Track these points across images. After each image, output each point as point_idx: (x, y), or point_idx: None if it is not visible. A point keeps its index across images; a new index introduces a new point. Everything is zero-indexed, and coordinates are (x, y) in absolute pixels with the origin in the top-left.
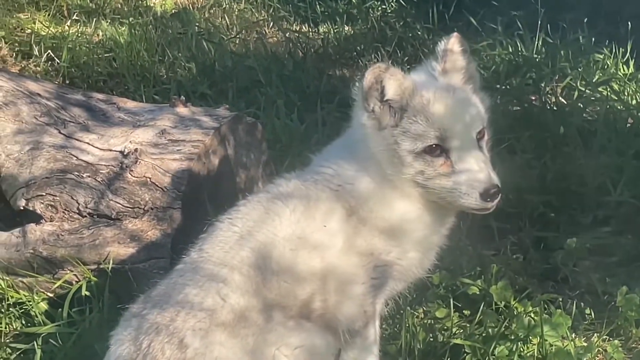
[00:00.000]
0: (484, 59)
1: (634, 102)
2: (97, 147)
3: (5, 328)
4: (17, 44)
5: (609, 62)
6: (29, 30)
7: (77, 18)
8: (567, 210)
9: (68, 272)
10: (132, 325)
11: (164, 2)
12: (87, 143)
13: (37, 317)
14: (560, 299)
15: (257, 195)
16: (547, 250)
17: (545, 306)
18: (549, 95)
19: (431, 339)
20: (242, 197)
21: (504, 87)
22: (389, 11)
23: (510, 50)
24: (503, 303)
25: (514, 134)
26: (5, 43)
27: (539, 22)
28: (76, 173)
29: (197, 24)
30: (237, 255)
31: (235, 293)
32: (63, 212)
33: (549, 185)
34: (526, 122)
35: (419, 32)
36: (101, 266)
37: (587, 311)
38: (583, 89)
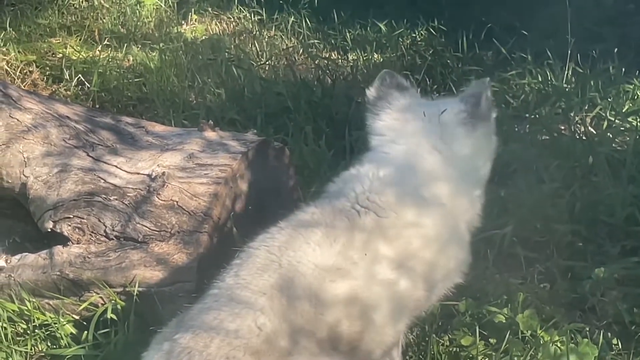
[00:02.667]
0: (514, 87)
1: None
2: (124, 170)
3: (31, 349)
4: (48, 68)
5: (638, 93)
6: (60, 55)
7: (108, 43)
8: (596, 239)
9: (94, 294)
10: (163, 349)
11: (194, 28)
12: (115, 166)
13: (62, 339)
14: (587, 329)
15: (292, 222)
16: (575, 279)
17: (572, 336)
18: (578, 125)
19: None
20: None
21: (533, 116)
22: (419, 39)
23: (540, 79)
24: (529, 332)
25: (542, 163)
26: (37, 67)
27: (569, 52)
28: (104, 196)
29: (227, 50)
30: (275, 284)
31: (272, 322)
32: (90, 234)
33: (578, 215)
34: (555, 151)
35: (449, 61)
36: (127, 289)
37: (614, 341)
38: (612, 119)
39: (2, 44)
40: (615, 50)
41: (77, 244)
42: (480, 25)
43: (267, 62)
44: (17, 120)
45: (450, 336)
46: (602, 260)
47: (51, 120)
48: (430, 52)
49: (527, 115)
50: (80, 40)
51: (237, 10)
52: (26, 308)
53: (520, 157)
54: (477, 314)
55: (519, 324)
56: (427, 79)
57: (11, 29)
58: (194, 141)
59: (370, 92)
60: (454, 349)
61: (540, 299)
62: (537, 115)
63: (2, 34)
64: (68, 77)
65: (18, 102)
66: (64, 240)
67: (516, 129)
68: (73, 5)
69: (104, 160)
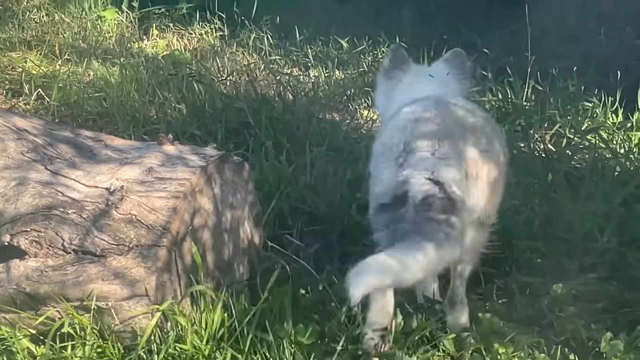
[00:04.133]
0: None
1: (622, 150)
2: (83, 184)
3: None
4: (7, 82)
5: (598, 111)
6: (20, 69)
7: (68, 58)
8: (554, 256)
9: (51, 308)
10: None
11: (156, 44)
12: (74, 179)
13: (19, 353)
14: (545, 345)
15: None
16: (533, 295)
17: (530, 351)
18: (537, 142)
19: None
20: (227, 236)
21: None
22: (381, 56)
23: (500, 97)
24: (487, 347)
25: None
26: None
27: (529, 69)
28: (62, 209)
29: (189, 66)
30: None
31: None
32: (47, 248)
33: (536, 231)
34: (514, 168)
35: None
36: (84, 303)
37: (572, 356)
38: (572, 137)
39: None
40: (575, 68)
41: (35, 257)
42: (442, 42)
43: (229, 78)
44: None
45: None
46: (560, 277)
47: (9, 133)
48: None
49: None
50: (40, 54)
51: (198, 26)
52: None
53: None
54: (436, 328)
55: (477, 339)
56: None
57: None
58: (153, 155)
59: (386, 63)
60: None
61: (498, 315)
62: None
63: None
64: (28, 91)
65: None
66: (21, 254)
67: None
68: (34, 19)
69: (63, 173)
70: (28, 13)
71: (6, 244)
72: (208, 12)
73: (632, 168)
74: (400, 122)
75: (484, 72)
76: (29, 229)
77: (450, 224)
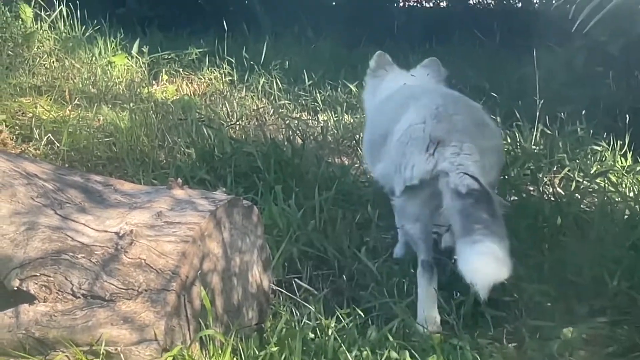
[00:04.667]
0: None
1: (631, 194)
2: (92, 228)
3: None
4: (18, 128)
5: (606, 155)
6: (30, 114)
7: (78, 103)
8: (564, 299)
9: (60, 353)
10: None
11: (165, 89)
12: (83, 224)
13: None
14: None
15: None
16: (543, 339)
17: None
18: (546, 186)
19: None
20: (237, 281)
21: (502, 177)
22: None
23: (509, 141)
24: None
25: (511, 224)
26: (6, 126)
27: (538, 113)
28: (71, 254)
29: (198, 111)
30: None
31: None
32: (57, 292)
33: (546, 274)
34: (524, 212)
35: None
36: (94, 348)
37: None
38: (581, 180)
39: None
40: (584, 112)
41: (44, 302)
42: (451, 87)
43: (238, 123)
44: None
45: None
46: (570, 320)
47: (19, 178)
48: None
49: None
50: (50, 100)
51: (208, 71)
52: None
53: None
54: None
55: None
56: None
57: None
58: (162, 199)
59: (372, 64)
60: None
61: (508, 359)
62: (506, 177)
63: None
64: (38, 137)
65: None
66: (30, 299)
67: None
68: (44, 65)
69: (72, 218)
70: (38, 59)
71: (15, 288)
72: (217, 57)
73: None
74: (421, 113)
75: (492, 116)
76: (38, 274)
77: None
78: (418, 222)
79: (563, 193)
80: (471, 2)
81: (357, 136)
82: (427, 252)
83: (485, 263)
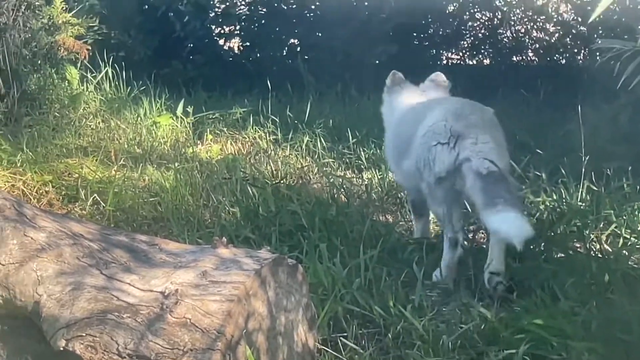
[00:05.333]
0: (529, 206)
1: None
2: (138, 288)
3: None
4: (64, 188)
5: None
6: (76, 175)
7: (124, 163)
8: (613, 357)
9: None
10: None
11: (210, 148)
12: (129, 284)
13: None
14: None
15: None
16: None
17: None
18: (593, 243)
19: None
20: (282, 340)
21: (548, 234)
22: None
23: (555, 197)
24: None
25: (558, 281)
26: (53, 187)
27: (583, 170)
28: (116, 314)
29: (242, 170)
30: None
31: None
32: (102, 352)
33: (594, 333)
34: (570, 269)
35: None
36: None
37: None
38: (628, 237)
39: (19, 165)
40: (630, 168)
41: None
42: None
43: (282, 181)
44: (31, 238)
45: None
46: None
47: (65, 238)
48: None
49: (542, 233)
50: (96, 160)
51: (252, 130)
52: None
53: (536, 274)
54: None
55: None
56: None
57: (28, 150)
58: (207, 258)
59: (388, 82)
60: None
61: None
62: (552, 233)
63: (19, 155)
64: (84, 197)
65: (32, 220)
66: (76, 359)
67: (531, 247)
68: (90, 126)
69: (118, 278)
70: (84, 120)
71: (61, 349)
72: (261, 116)
73: None
74: (442, 113)
75: (538, 173)
76: (84, 334)
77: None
78: (444, 205)
79: (610, 250)
80: (514, 59)
81: (401, 194)
82: (453, 230)
83: (515, 223)
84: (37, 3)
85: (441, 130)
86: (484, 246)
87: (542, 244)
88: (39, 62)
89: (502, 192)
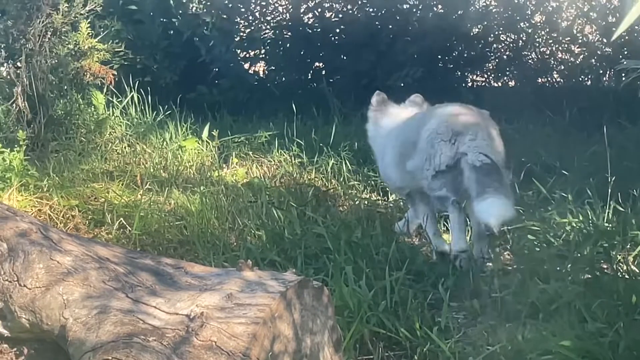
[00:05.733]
0: (555, 227)
1: None
2: (163, 311)
3: None
4: (90, 213)
5: None
6: (103, 199)
7: (150, 187)
8: None
9: None
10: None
11: (235, 172)
12: (154, 307)
13: None
14: None
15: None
16: None
17: None
18: (620, 264)
19: None
20: None
21: (575, 255)
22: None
23: (581, 218)
24: None
25: (584, 302)
26: (79, 212)
27: (609, 191)
28: (142, 337)
29: (268, 193)
30: None
31: None
32: None
33: (622, 354)
34: (597, 290)
35: None
36: None
37: None
38: None
39: (45, 190)
40: None
41: None
42: (520, 166)
43: (308, 204)
44: (57, 262)
45: None
46: None
47: (91, 262)
48: None
49: (568, 254)
50: (122, 184)
51: (277, 154)
52: None
53: (562, 295)
54: None
55: None
56: (468, 219)
57: (55, 175)
58: (232, 281)
59: (373, 101)
60: None
61: None
62: (578, 254)
63: (46, 180)
64: (110, 221)
65: (58, 244)
66: None
67: (558, 268)
68: (116, 151)
69: (143, 301)
70: (110, 144)
71: None
72: (287, 140)
73: None
74: (443, 116)
75: (564, 194)
76: (110, 357)
77: (503, 180)
78: (446, 186)
79: (637, 271)
80: (539, 80)
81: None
82: (456, 195)
83: (494, 206)
84: (63, 29)
85: (443, 130)
86: (509, 268)
87: (569, 265)
88: (65, 87)
89: (493, 182)
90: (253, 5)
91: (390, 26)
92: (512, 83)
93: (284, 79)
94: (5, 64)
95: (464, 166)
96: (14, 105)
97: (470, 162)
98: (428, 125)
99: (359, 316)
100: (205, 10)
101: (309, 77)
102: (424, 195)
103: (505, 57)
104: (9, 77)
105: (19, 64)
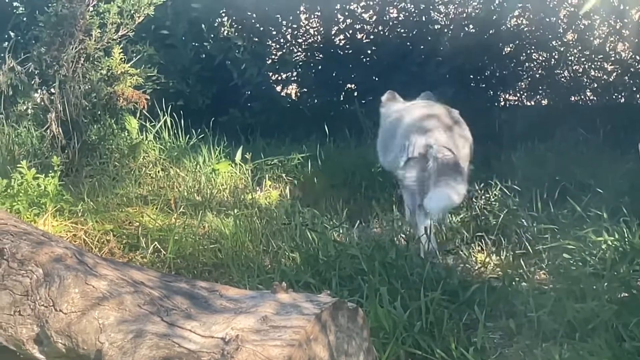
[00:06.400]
0: (590, 245)
1: None
2: (199, 334)
3: None
4: (125, 237)
5: None
6: (137, 224)
7: (183, 211)
8: None
9: None
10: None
11: (269, 194)
12: (189, 330)
13: None
14: None
15: None
16: None
17: None
18: None
19: None
20: None
21: (611, 274)
22: (493, 199)
23: (617, 236)
24: None
25: (621, 321)
26: (114, 236)
27: None
28: None
29: (301, 215)
30: None
31: None
32: None
33: None
34: (634, 309)
35: (523, 220)
36: None
37: None
38: None
39: (80, 215)
40: None
41: None
42: (554, 184)
43: (341, 226)
44: (93, 287)
45: None
46: None
47: (126, 286)
48: (505, 211)
49: (604, 273)
50: (156, 208)
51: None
52: None
53: (599, 315)
54: None
55: None
56: (502, 239)
57: (89, 200)
58: (267, 303)
59: (384, 99)
60: None
61: None
62: (615, 273)
63: (80, 205)
64: (144, 245)
65: (94, 269)
66: None
67: (594, 287)
68: (150, 175)
69: (179, 324)
70: (144, 169)
71: None
72: (320, 161)
73: None
74: (419, 113)
75: (599, 212)
76: None
77: (463, 172)
78: (417, 182)
79: None
80: (572, 98)
81: (462, 236)
82: (420, 185)
83: (440, 193)
84: (96, 54)
85: (417, 126)
86: (545, 287)
87: (605, 283)
88: (99, 112)
89: (450, 172)
90: (284, 28)
91: (422, 46)
92: (544, 102)
93: (316, 101)
94: (39, 91)
95: (430, 157)
96: (48, 131)
97: (434, 154)
98: (405, 121)
99: (395, 337)
100: (236, 33)
101: (341, 98)
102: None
103: (537, 75)
104: (42, 103)
105: (52, 90)
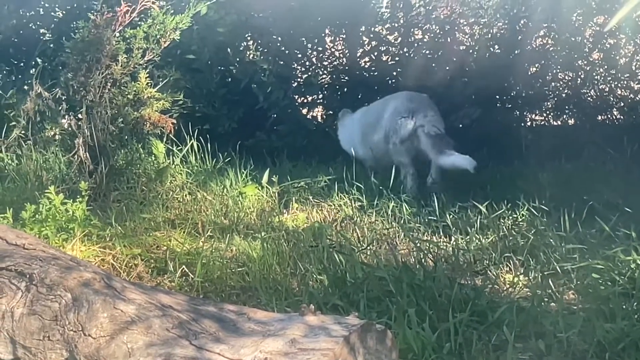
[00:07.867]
0: (619, 265)
1: None
2: (227, 357)
3: None
4: (152, 261)
5: None
6: (165, 247)
7: (211, 234)
8: None
9: None
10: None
11: (296, 217)
12: (218, 353)
13: None
14: None
15: None
16: None
17: None
18: None
19: None
20: None
21: None
22: (520, 220)
23: None
24: None
25: None
26: (142, 260)
27: None
28: None
29: (329, 237)
30: None
31: None
32: None
33: None
34: None
35: (551, 240)
36: None
37: None
38: None
39: (108, 239)
40: None
41: None
42: (582, 204)
43: (369, 247)
44: (121, 311)
45: None
46: None
47: (154, 310)
48: (532, 232)
49: (634, 292)
50: (184, 232)
51: (337, 198)
52: None
53: (629, 334)
54: None
55: None
56: (530, 259)
57: (117, 224)
58: (295, 326)
59: (339, 115)
60: None
61: None
62: None
63: (108, 229)
64: (172, 269)
65: (122, 293)
66: None
67: (623, 307)
68: (177, 199)
69: (207, 348)
70: (171, 193)
71: None
72: (346, 183)
73: None
74: (401, 101)
75: (627, 232)
76: None
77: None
78: (408, 156)
79: None
80: (599, 118)
81: (489, 256)
82: (413, 168)
83: (465, 158)
84: (122, 80)
85: (402, 109)
86: (574, 307)
87: (635, 303)
88: (126, 137)
89: (447, 145)
90: (309, 51)
91: (447, 67)
92: (571, 121)
93: None
94: (66, 116)
95: (420, 135)
96: (76, 156)
97: (427, 132)
98: (389, 107)
99: (423, 359)
100: (262, 57)
101: None
102: (380, 162)
103: (563, 95)
104: (70, 129)
105: (79, 115)
